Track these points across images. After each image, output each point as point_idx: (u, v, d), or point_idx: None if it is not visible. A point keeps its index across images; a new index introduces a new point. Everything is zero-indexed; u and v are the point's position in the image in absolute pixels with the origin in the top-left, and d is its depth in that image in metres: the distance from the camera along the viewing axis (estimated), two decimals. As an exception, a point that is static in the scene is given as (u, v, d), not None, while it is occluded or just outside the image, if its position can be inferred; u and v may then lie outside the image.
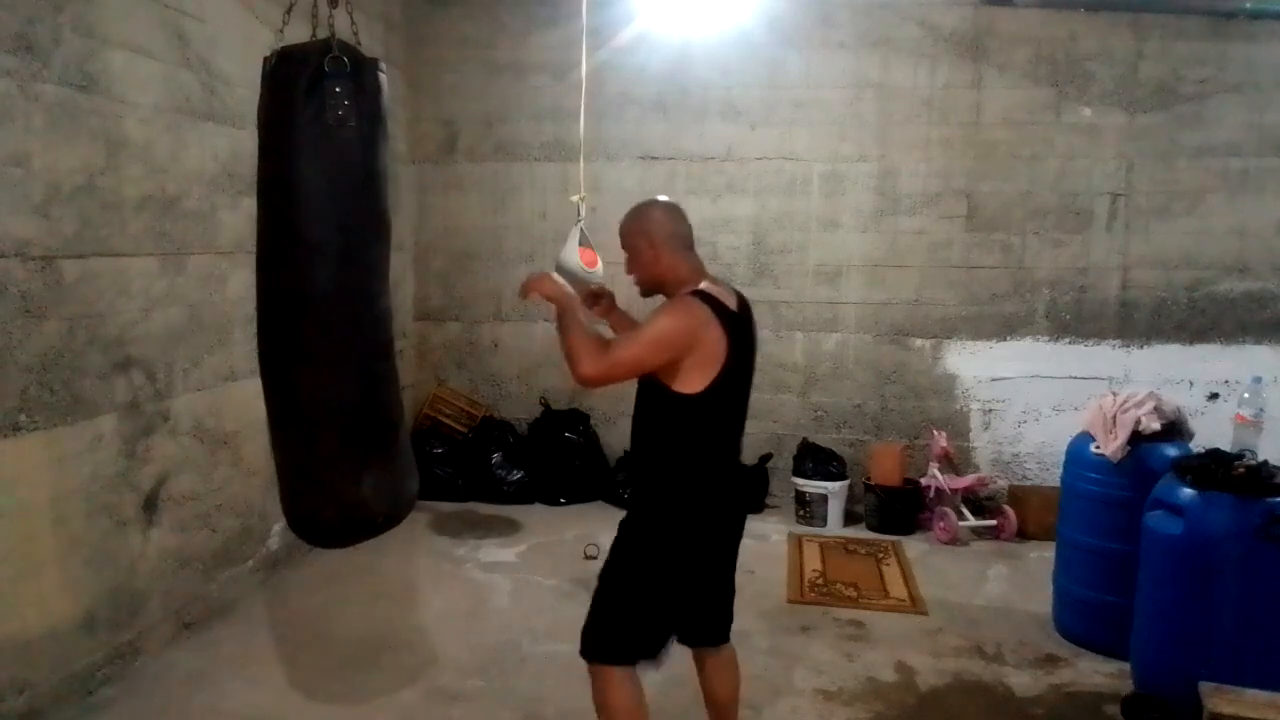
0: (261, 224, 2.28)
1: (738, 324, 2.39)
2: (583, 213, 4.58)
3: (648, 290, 2.51)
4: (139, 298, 3.27)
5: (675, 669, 2.75)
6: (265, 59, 2.23)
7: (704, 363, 2.31)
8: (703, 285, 2.39)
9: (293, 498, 2.34)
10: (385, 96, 2.28)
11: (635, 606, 2.44)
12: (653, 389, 2.38)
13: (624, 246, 2.50)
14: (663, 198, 2.58)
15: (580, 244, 4.52)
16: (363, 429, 2.28)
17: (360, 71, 2.21)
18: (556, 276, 2.53)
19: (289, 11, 2.32)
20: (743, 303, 2.49)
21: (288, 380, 2.28)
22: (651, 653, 2.49)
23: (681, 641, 2.61)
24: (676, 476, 2.41)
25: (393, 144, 5.78)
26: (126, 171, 3.18)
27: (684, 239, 2.49)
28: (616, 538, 2.48)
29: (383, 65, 2.30)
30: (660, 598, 2.44)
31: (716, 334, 2.31)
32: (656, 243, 2.44)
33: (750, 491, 5.33)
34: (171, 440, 3.47)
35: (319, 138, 2.16)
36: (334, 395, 2.24)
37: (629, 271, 2.52)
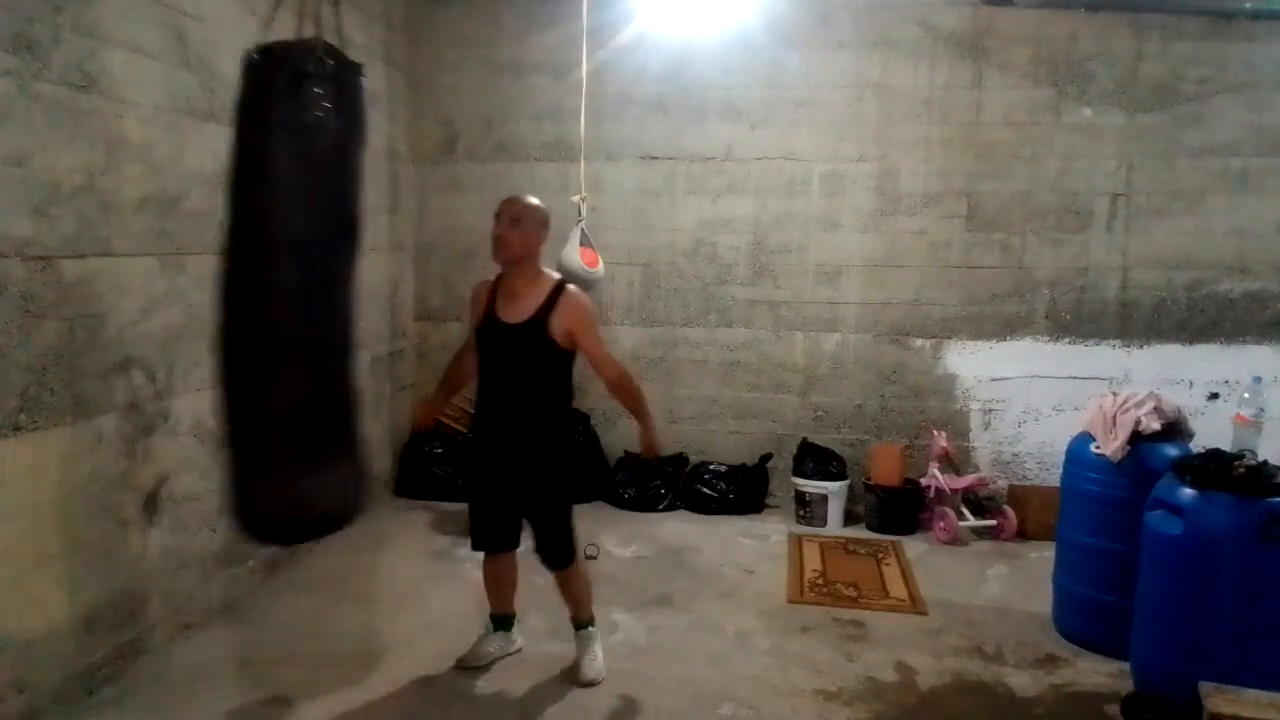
0: (231, 218, 2.30)
1: None
2: (583, 213, 4.60)
3: (511, 260, 3.07)
4: (139, 298, 3.26)
5: (673, 669, 2.73)
6: (246, 52, 2.22)
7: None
8: (559, 275, 3.20)
9: (243, 495, 2.36)
10: (365, 100, 2.31)
11: (568, 516, 3.24)
12: (548, 351, 3.06)
13: (517, 222, 3.04)
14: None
15: (581, 244, 4.53)
16: (316, 427, 2.29)
17: (342, 74, 2.22)
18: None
19: (276, 7, 2.31)
20: None
21: (244, 373, 2.29)
22: None
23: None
24: (566, 408, 3.26)
25: (392, 144, 5.83)
26: (126, 171, 3.18)
27: None
28: (535, 467, 3.13)
29: (364, 69, 2.32)
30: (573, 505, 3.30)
31: None
32: (543, 234, 3.14)
33: (750, 491, 5.37)
34: (171, 440, 3.46)
35: (295, 136, 2.16)
36: (287, 392, 2.25)
37: (506, 239, 3.03)
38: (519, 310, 3.07)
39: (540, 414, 3.14)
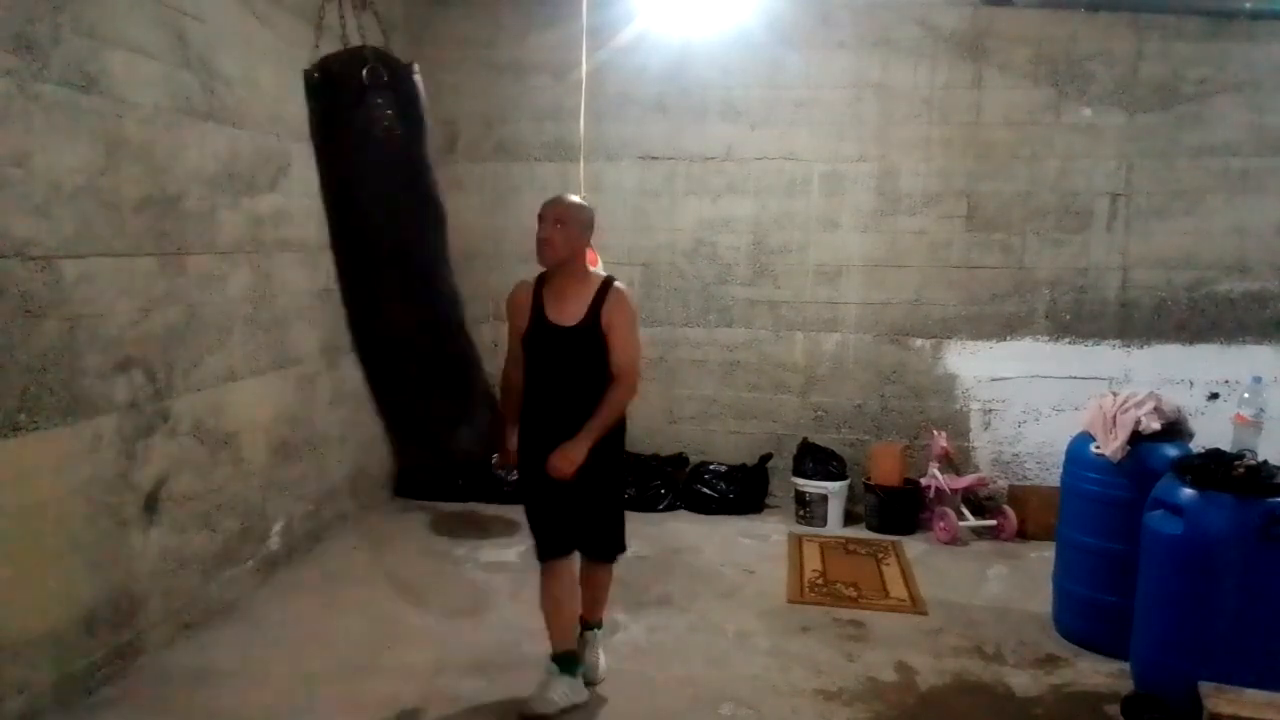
0: (333, 226, 2.58)
1: None
2: (583, 213, 4.58)
3: (558, 262, 2.99)
4: (139, 298, 3.26)
5: (679, 671, 2.72)
6: (306, 72, 2.41)
7: None
8: (606, 272, 3.14)
9: (399, 446, 2.94)
10: (422, 98, 2.48)
11: (622, 506, 3.25)
12: (598, 353, 2.98)
13: (561, 224, 2.96)
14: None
15: (580, 244, 4.52)
16: (444, 384, 2.66)
17: (397, 78, 2.38)
18: (574, 450, 2.95)
19: (319, 21, 2.49)
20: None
21: (378, 353, 2.68)
22: None
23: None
24: None
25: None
26: (126, 171, 3.18)
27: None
28: (596, 465, 2.97)
29: (417, 66, 2.46)
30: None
31: None
32: (588, 234, 3.08)
33: (750, 491, 5.37)
34: (171, 440, 3.46)
35: (369, 146, 2.38)
36: (417, 359, 2.62)
37: (552, 241, 2.95)
38: (571, 312, 2.99)
39: (591, 408, 3.02)
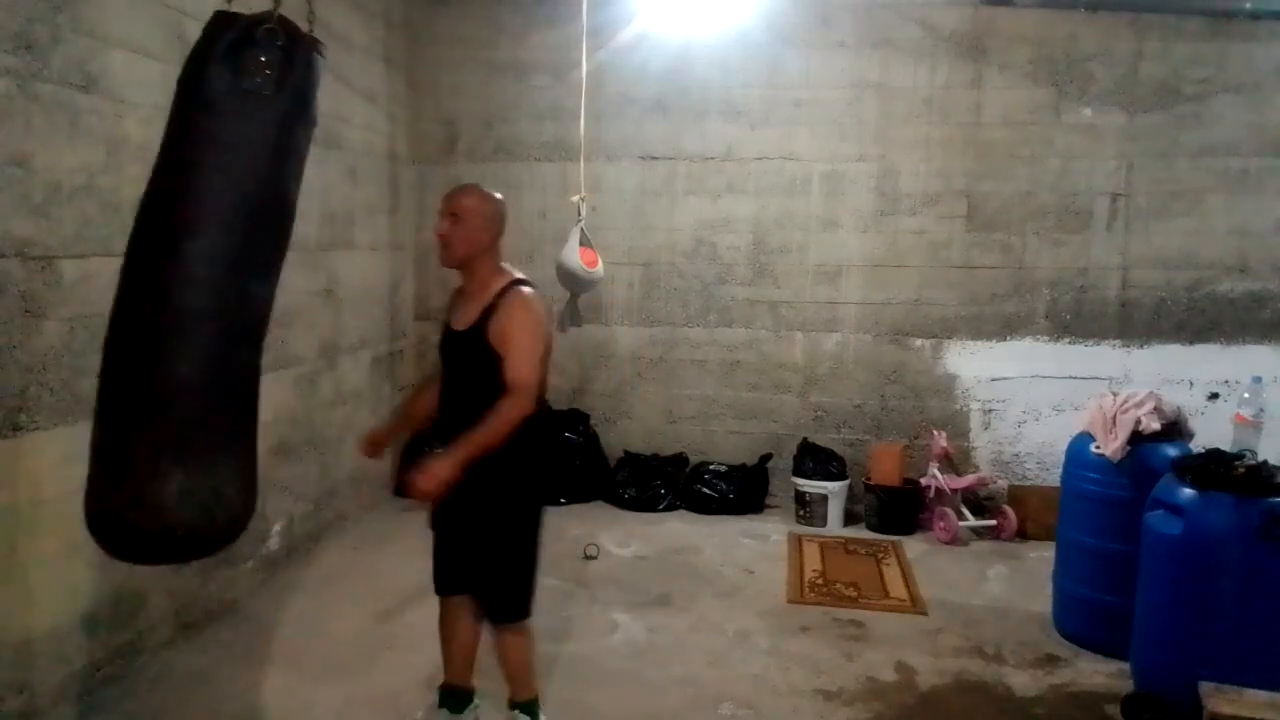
0: (148, 185, 2.13)
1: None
2: (583, 213, 4.59)
3: (457, 264, 2.68)
4: (139, 298, 3.26)
5: (680, 670, 2.72)
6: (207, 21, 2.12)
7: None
8: (519, 274, 2.71)
9: (96, 492, 2.07)
10: (315, 80, 2.16)
11: (536, 552, 2.75)
12: (490, 361, 2.57)
13: (457, 219, 2.63)
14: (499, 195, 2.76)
15: (580, 244, 4.53)
16: (204, 416, 2.06)
17: (295, 48, 2.09)
18: (438, 465, 2.47)
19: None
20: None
21: (133, 350, 2.11)
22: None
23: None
24: (525, 435, 2.59)
25: (392, 144, 5.80)
26: (126, 171, 3.17)
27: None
28: (482, 498, 2.60)
29: (323, 50, 2.18)
30: (539, 538, 2.77)
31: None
32: (492, 230, 2.68)
33: (750, 491, 5.36)
34: (171, 440, 3.46)
35: (227, 101, 2.03)
36: (178, 376, 2.04)
37: (447, 239, 2.64)
38: (467, 316, 2.66)
39: None
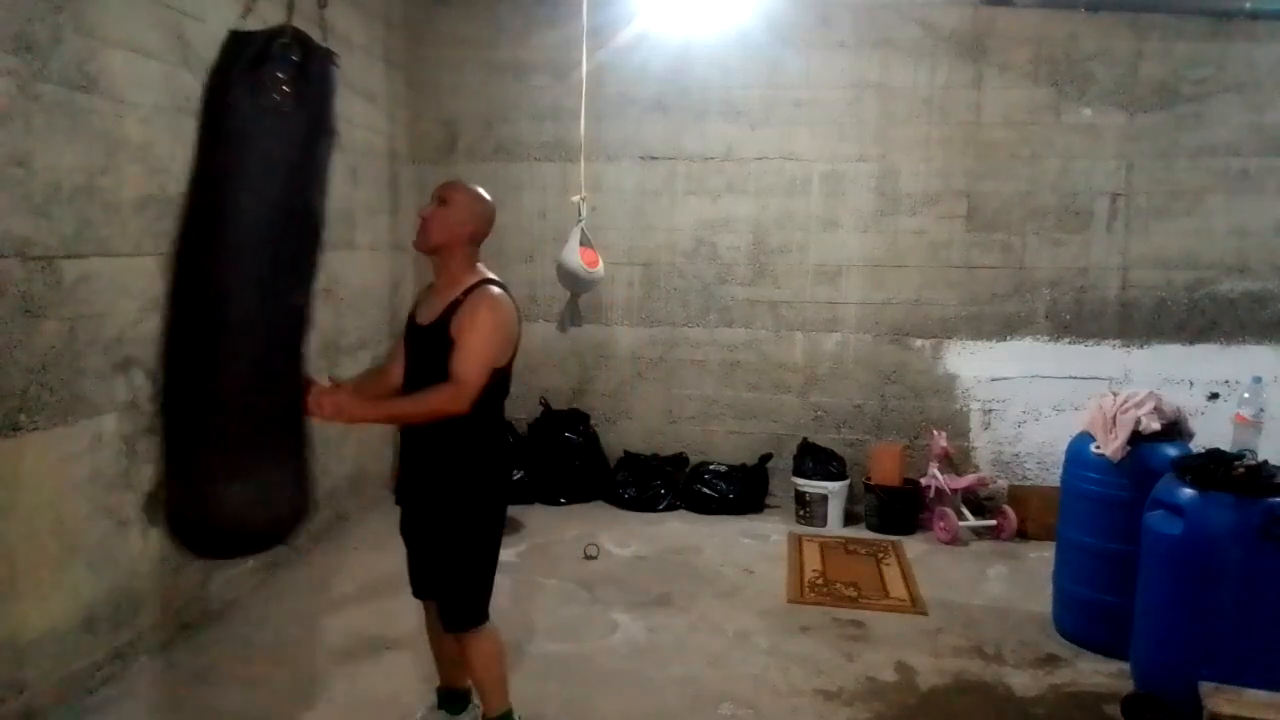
0: (184, 206, 2.20)
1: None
2: (583, 213, 4.59)
3: (432, 249, 2.65)
4: (139, 298, 3.26)
5: (682, 668, 2.72)
6: (223, 41, 2.18)
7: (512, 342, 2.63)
8: (492, 275, 2.67)
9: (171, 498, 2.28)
10: (333, 91, 2.19)
11: (490, 560, 2.69)
12: (444, 360, 2.50)
13: (444, 204, 2.62)
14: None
15: (581, 244, 4.53)
16: (255, 421, 2.17)
17: (310, 61, 2.12)
18: (340, 398, 2.41)
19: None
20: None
21: (183, 362, 2.23)
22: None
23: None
24: (482, 430, 2.60)
25: (392, 144, 5.81)
26: (126, 171, 3.18)
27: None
28: (437, 499, 2.60)
29: (337, 60, 2.21)
30: (497, 546, 2.72)
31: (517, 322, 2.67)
32: (474, 226, 2.65)
33: (750, 491, 5.36)
34: (171, 440, 3.46)
35: (251, 120, 2.08)
36: (223, 387, 2.14)
37: (428, 222, 2.63)
38: (432, 310, 2.62)
39: (444, 435, 2.55)
